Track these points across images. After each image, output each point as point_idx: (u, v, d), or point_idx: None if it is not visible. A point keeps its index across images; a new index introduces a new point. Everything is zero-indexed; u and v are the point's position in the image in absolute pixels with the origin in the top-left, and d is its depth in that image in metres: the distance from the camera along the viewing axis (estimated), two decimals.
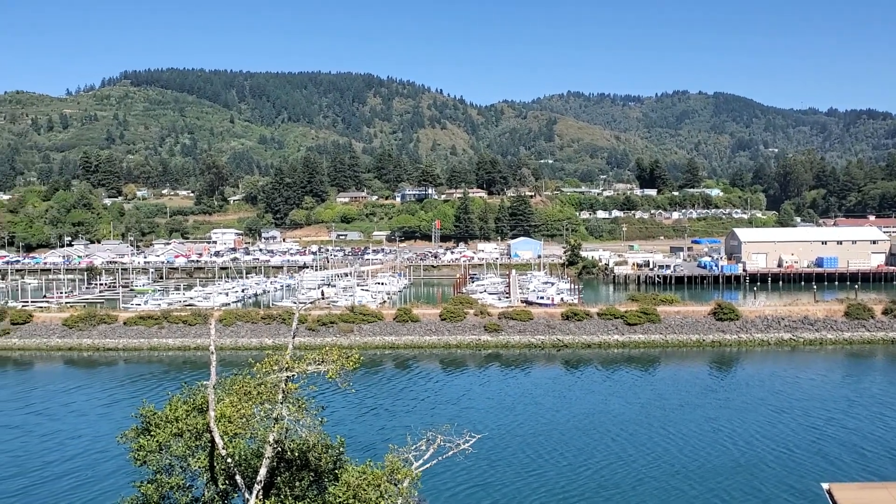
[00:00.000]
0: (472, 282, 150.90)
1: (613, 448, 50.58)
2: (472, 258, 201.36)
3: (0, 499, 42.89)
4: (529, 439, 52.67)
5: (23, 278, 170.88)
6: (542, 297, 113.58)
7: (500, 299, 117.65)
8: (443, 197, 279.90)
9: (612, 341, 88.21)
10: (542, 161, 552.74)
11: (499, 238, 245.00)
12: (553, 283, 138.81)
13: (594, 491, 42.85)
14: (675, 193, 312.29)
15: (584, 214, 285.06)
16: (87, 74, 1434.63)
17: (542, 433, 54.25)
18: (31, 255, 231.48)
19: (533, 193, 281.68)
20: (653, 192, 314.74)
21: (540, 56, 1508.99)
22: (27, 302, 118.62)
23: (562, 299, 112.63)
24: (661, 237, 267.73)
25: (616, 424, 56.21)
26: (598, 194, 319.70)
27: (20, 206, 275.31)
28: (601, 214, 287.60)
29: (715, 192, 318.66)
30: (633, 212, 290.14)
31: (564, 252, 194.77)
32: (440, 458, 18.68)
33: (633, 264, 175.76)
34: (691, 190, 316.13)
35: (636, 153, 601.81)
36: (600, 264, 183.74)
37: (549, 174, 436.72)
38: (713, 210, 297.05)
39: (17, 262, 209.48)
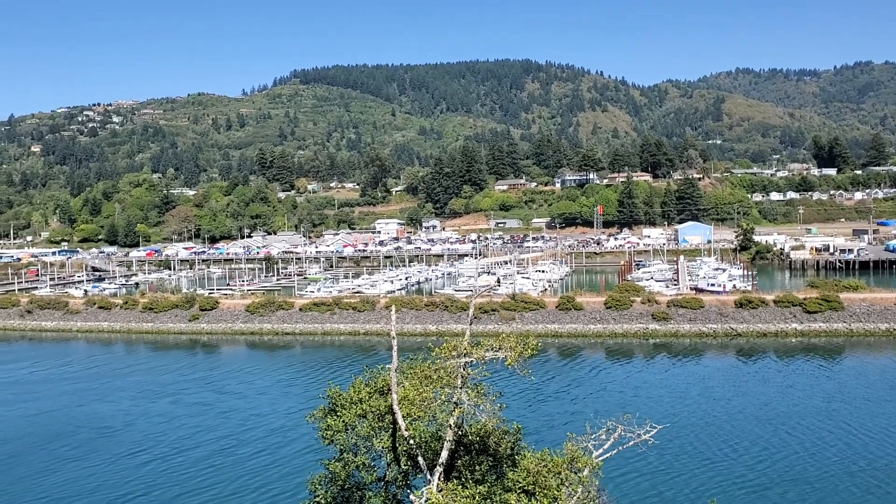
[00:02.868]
0: (638, 269, 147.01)
1: (791, 441, 47.89)
2: (637, 244, 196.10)
3: (190, 467, 46.35)
4: (702, 429, 50.78)
5: (208, 268, 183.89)
6: (712, 284, 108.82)
7: (667, 287, 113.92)
8: (605, 181, 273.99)
9: (789, 330, 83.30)
10: (709, 142, 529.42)
11: (665, 223, 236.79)
12: (724, 270, 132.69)
13: (774, 483, 40.63)
14: (858, 172, 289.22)
15: (757, 197, 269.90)
16: (260, 75, 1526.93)
17: (716, 423, 52.13)
18: (215, 246, 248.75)
19: (701, 176, 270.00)
20: (832, 171, 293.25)
21: (706, 32, 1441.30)
22: (213, 290, 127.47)
23: (734, 286, 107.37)
24: (842, 219, 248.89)
25: (794, 417, 53.10)
26: (771, 175, 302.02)
27: (205, 200, 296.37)
28: (775, 196, 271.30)
29: None
30: (810, 193, 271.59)
31: (736, 237, 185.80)
32: (620, 447, 18.12)
33: (812, 249, 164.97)
34: (876, 168, 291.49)
35: (812, 131, 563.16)
36: (775, 249, 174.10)
37: (718, 155, 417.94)
38: None
39: (203, 252, 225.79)
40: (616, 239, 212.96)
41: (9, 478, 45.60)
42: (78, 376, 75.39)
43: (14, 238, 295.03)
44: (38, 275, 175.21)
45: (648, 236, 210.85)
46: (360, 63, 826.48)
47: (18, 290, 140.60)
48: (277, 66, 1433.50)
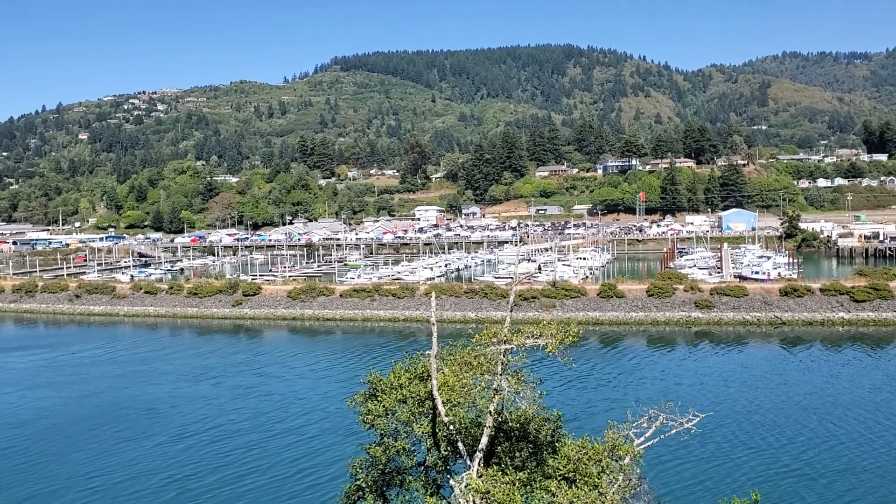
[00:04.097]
0: (681, 256, 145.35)
1: (836, 431, 47.01)
2: (680, 231, 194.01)
3: (230, 448, 47.18)
4: (746, 418, 50.14)
5: (251, 254, 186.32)
6: (757, 272, 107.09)
7: (711, 274, 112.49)
8: (647, 168, 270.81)
9: (836, 319, 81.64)
10: (754, 127, 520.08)
11: (709, 210, 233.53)
12: (769, 257, 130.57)
13: (818, 473, 39.95)
14: None
15: (803, 183, 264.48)
16: (301, 62, 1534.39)
17: (759, 412, 51.43)
18: (257, 232, 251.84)
19: (745, 162, 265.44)
20: (883, 157, 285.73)
21: (751, 15, 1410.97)
22: (255, 275, 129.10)
23: (779, 274, 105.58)
24: (893, 206, 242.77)
25: (840, 406, 52.10)
26: (818, 161, 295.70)
27: (247, 187, 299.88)
28: (822, 183, 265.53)
29: None
30: (859, 179, 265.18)
31: (781, 224, 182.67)
32: (662, 436, 17.90)
33: (860, 236, 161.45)
34: None
35: (862, 115, 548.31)
36: (822, 237, 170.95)
37: (763, 141, 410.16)
38: None
39: (246, 239, 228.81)
40: (658, 226, 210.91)
41: (53, 456, 46.87)
42: (124, 359, 77.03)
43: (63, 224, 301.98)
44: (86, 260, 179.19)
45: (691, 223, 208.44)
46: (401, 49, 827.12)
47: (67, 274, 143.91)
48: (318, 53, 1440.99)
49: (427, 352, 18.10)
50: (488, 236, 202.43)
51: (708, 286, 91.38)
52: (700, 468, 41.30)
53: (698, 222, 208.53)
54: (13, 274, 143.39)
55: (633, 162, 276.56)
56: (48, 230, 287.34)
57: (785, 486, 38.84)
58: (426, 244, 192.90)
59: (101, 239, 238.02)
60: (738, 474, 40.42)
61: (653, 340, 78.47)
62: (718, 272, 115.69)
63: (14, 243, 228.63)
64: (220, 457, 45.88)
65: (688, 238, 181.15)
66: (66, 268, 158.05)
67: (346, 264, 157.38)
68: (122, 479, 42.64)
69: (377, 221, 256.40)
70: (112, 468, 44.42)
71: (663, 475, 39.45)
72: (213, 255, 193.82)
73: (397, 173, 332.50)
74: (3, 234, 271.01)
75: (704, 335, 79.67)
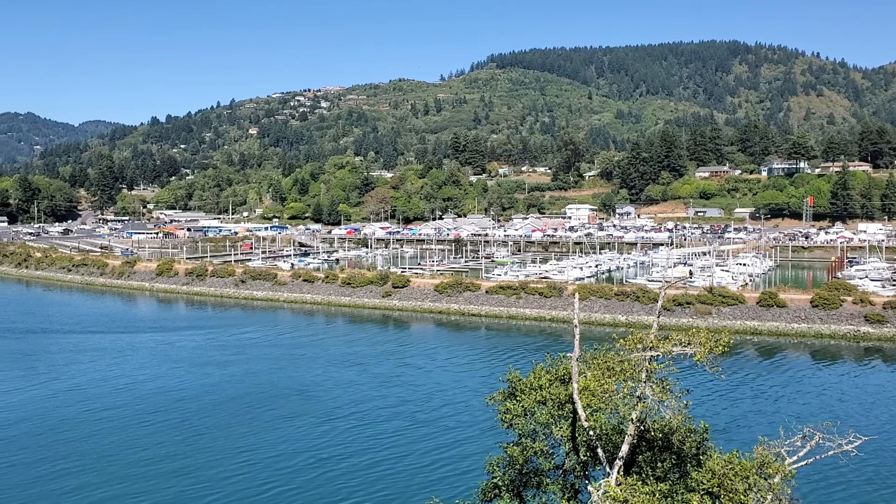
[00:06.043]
0: (851, 266, 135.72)
1: None
2: (851, 239, 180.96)
3: (370, 436, 48.62)
4: None
5: (401, 247, 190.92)
6: None
7: (884, 287, 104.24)
8: (817, 171, 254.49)
9: None
10: None
11: (885, 218, 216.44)
12: None
13: None
14: None
15: None
16: (458, 60, 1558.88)
17: None
18: (408, 226, 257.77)
19: None
20: None
21: None
22: (405, 268, 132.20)
23: None
24: None
25: None
26: None
27: (401, 183, 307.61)
28: None
29: None
30: None
31: None
32: (818, 456, 16.80)
33: None
34: None
35: None
36: None
37: None
38: None
39: (398, 232, 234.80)
40: (827, 233, 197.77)
41: (211, 428, 50.10)
42: (282, 343, 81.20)
43: (232, 213, 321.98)
44: (251, 248, 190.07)
45: (864, 231, 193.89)
46: (558, 46, 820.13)
47: (234, 261, 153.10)
48: (475, 50, 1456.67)
49: (568, 354, 17.90)
50: (643, 237, 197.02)
51: (881, 299, 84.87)
52: (860, 494, 38.45)
53: (872, 230, 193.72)
54: (186, 258, 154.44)
55: (801, 164, 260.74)
56: (219, 218, 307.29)
57: None
58: (576, 243, 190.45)
59: (266, 228, 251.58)
60: None
61: (815, 354, 73.87)
62: (893, 285, 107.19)
63: (188, 230, 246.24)
64: (360, 440, 47.58)
65: (860, 247, 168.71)
66: (234, 254, 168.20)
67: (493, 261, 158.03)
68: (270, 454, 45.22)
69: (526, 219, 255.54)
70: (262, 443, 47.12)
71: (818, 498, 37.08)
72: (367, 248, 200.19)
73: (549, 171, 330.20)
74: (178, 221, 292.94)
75: (874, 352, 74.10)
